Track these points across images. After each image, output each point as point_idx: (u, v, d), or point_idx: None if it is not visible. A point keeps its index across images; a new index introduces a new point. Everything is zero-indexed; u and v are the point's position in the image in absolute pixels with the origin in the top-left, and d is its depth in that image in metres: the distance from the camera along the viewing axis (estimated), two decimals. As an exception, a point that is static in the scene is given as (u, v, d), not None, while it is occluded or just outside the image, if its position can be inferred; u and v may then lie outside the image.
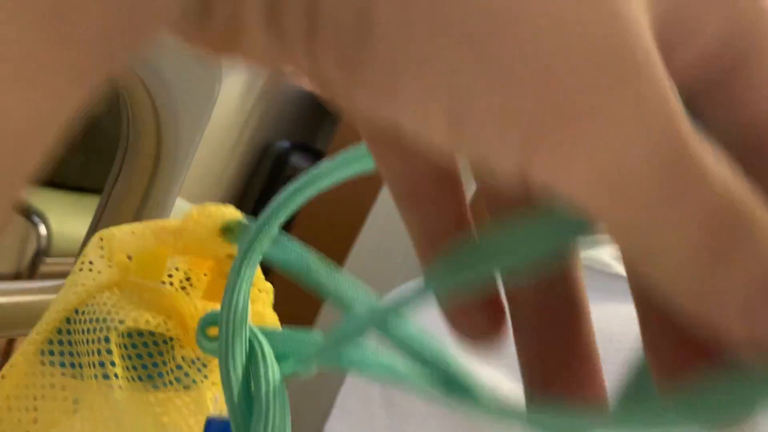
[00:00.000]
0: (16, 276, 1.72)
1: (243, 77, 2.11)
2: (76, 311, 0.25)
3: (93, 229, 0.34)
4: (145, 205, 0.26)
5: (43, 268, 1.08)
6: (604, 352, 0.57)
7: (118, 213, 0.27)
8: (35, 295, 0.35)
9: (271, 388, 0.20)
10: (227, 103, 2.10)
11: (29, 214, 1.09)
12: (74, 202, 1.21)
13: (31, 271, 1.09)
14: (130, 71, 0.26)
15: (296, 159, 2.30)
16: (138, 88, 0.26)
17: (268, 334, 0.22)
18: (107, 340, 0.25)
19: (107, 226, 0.30)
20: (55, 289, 0.41)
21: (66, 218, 1.12)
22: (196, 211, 0.24)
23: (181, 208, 1.20)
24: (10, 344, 1.07)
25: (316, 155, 2.36)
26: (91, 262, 0.26)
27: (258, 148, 2.37)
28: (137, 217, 0.28)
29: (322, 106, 2.59)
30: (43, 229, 1.07)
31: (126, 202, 0.27)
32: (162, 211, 0.29)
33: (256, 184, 2.34)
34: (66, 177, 1.22)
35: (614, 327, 0.56)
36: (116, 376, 0.25)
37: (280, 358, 0.21)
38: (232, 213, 0.25)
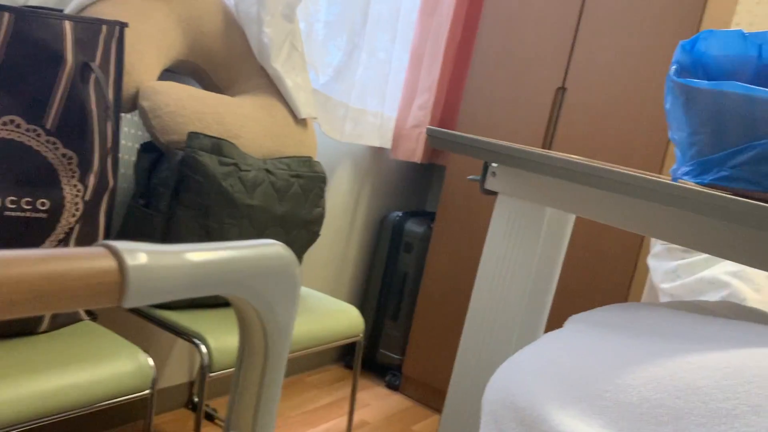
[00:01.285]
0: (191, 384, 1.95)
1: (349, 162, 2.29)
2: None
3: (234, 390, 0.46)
4: (263, 383, 0.38)
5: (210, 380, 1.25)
6: (689, 405, 0.67)
7: (245, 391, 0.40)
8: None
9: None
10: (340, 189, 2.28)
11: (190, 337, 1.27)
12: (226, 317, 1.39)
13: (201, 384, 1.27)
14: (246, 303, 0.39)
15: (411, 225, 2.42)
16: (250, 311, 0.38)
17: None
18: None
19: (239, 400, 0.42)
20: None
21: (222, 335, 1.29)
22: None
23: (316, 298, 1.35)
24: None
25: (428, 217, 2.47)
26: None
27: (375, 223, 2.53)
28: (259, 390, 0.40)
29: (423, 174, 2.72)
30: (203, 348, 1.25)
31: (249, 385, 0.39)
32: (277, 380, 0.41)
33: (380, 255, 2.48)
34: (216, 297, 1.41)
35: (700, 380, 0.59)
36: None
37: None
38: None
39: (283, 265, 0.39)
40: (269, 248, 0.39)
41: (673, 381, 0.57)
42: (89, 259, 0.31)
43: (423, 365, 2.32)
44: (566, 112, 2.01)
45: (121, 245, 0.33)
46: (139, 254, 0.32)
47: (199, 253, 0.35)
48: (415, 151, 2.39)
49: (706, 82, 0.79)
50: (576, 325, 0.81)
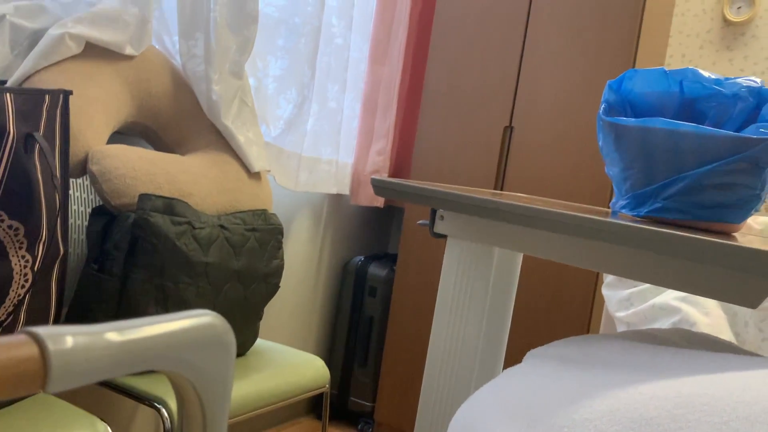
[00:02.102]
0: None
1: (308, 211, 2.29)
2: None
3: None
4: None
5: (174, 445, 1.23)
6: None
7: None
8: None
9: None
10: (301, 238, 2.28)
11: (150, 402, 1.25)
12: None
13: (165, 449, 1.24)
14: (179, 375, 0.39)
15: (374, 268, 2.42)
16: (185, 383, 0.39)
17: None
18: None
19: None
20: None
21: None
22: None
23: (279, 352, 1.33)
24: None
25: (390, 260, 2.48)
26: None
27: (338, 270, 2.52)
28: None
29: (383, 217, 2.74)
30: (165, 413, 1.22)
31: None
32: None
33: (345, 301, 2.48)
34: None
35: (653, 410, 0.61)
36: None
37: None
38: None
39: (214, 335, 0.40)
40: (199, 319, 0.40)
41: (627, 413, 0.59)
42: (10, 348, 0.31)
43: (395, 410, 2.30)
44: (515, 150, 2.06)
45: (44, 330, 0.33)
46: (63, 338, 0.33)
47: (126, 332, 0.36)
48: (377, 196, 2.42)
49: (632, 119, 0.83)
50: (533, 360, 0.83)
